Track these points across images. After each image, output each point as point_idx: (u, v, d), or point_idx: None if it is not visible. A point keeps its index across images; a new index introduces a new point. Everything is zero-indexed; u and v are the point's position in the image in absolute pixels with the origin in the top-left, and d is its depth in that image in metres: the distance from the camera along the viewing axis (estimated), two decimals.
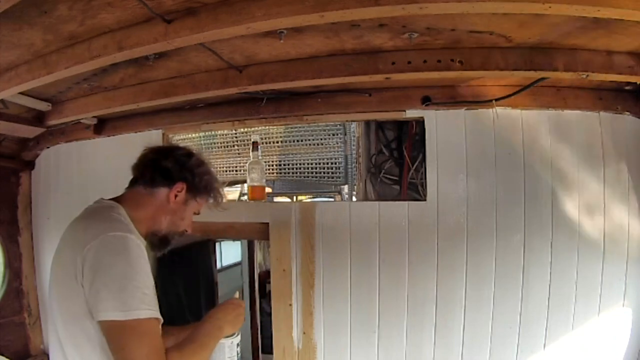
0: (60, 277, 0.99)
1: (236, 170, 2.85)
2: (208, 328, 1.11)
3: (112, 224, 0.99)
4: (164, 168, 1.14)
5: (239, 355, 1.31)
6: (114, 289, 0.89)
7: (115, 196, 1.14)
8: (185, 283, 2.73)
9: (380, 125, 2.04)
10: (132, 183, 1.17)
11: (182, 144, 1.31)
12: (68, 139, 2.23)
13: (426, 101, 1.67)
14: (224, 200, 1.27)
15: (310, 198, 4.10)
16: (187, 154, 1.19)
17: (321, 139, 2.62)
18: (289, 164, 2.72)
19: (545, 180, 1.62)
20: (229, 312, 1.17)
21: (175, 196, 1.14)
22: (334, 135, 2.60)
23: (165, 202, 1.14)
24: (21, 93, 1.65)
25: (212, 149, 2.98)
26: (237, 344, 1.33)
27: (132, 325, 0.88)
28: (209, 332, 1.10)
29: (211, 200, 1.23)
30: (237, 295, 1.38)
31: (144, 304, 0.90)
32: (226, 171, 2.91)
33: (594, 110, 1.61)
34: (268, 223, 1.84)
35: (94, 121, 2.09)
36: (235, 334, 1.31)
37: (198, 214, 1.24)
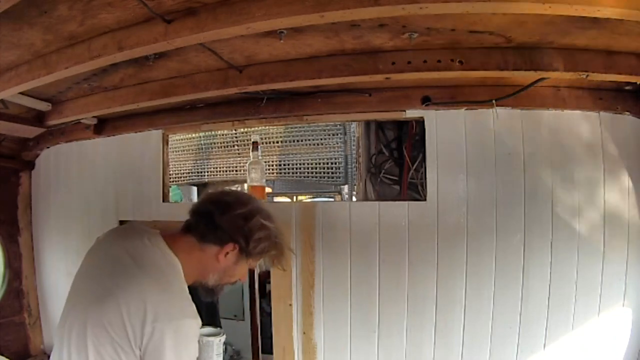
0: (99, 312, 0.95)
1: (236, 170, 2.86)
2: None
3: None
4: (217, 225, 1.06)
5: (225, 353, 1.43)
6: None
7: (170, 233, 1.09)
8: None
9: (380, 125, 2.04)
10: (187, 228, 1.11)
11: (250, 197, 1.18)
12: (68, 139, 2.22)
13: (426, 101, 1.67)
14: (284, 265, 1.18)
15: (310, 198, 4.10)
16: (247, 215, 1.08)
17: (321, 139, 2.63)
18: (289, 164, 2.72)
19: (545, 180, 1.62)
20: None
21: (226, 254, 1.08)
22: (334, 135, 2.60)
23: (214, 260, 1.08)
24: (21, 93, 1.65)
25: (212, 149, 2.98)
26: (224, 342, 1.49)
27: None
28: None
29: (266, 262, 1.17)
30: None
31: None
32: (226, 171, 2.91)
33: (594, 110, 1.61)
34: None
35: (94, 121, 2.09)
36: (222, 333, 1.44)
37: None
